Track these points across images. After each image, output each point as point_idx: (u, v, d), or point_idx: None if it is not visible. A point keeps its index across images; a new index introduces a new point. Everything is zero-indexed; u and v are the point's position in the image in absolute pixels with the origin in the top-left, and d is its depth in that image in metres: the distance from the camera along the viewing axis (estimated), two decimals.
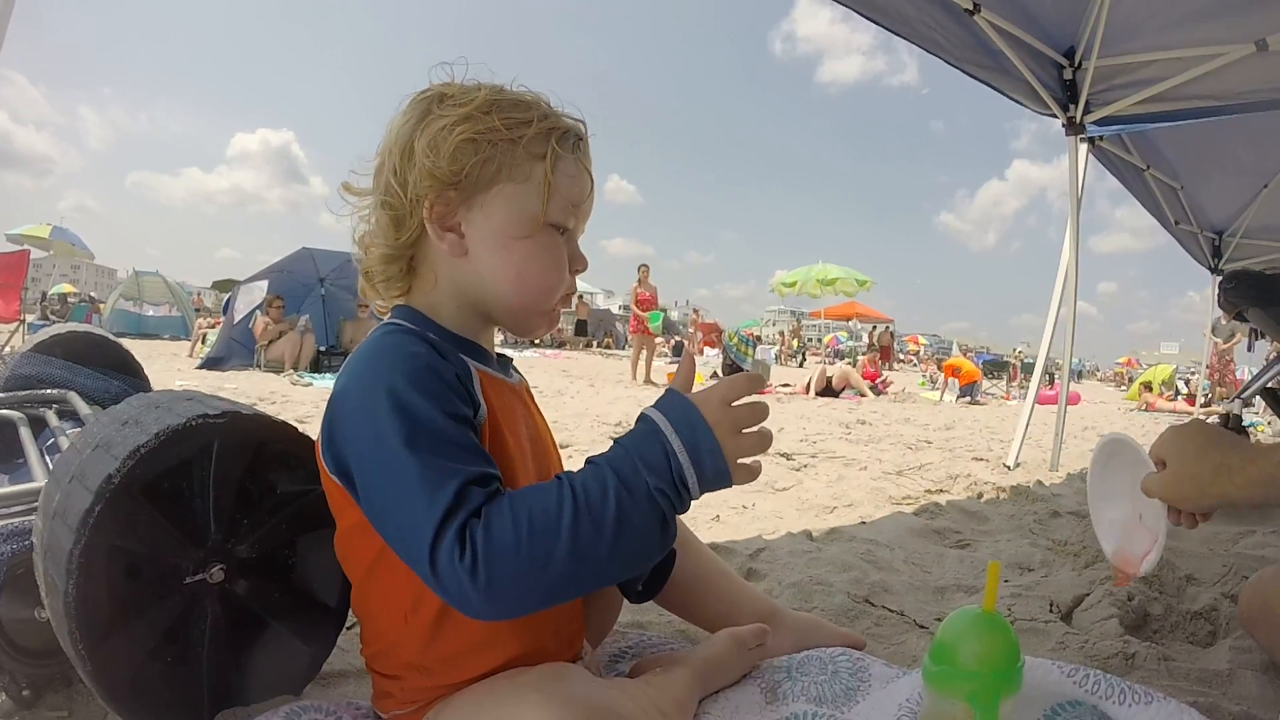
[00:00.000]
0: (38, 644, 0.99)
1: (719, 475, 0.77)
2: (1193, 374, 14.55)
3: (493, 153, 0.87)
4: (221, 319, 9.83)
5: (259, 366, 8.07)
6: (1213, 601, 1.61)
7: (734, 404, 0.79)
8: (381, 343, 0.84)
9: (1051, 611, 1.59)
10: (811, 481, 3.08)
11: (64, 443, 1.51)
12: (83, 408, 1.75)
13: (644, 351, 9.93)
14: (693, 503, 0.78)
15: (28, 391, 1.87)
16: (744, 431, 0.79)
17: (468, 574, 0.69)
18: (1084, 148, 4.14)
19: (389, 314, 0.93)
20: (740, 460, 0.78)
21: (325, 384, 7.06)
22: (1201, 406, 9.61)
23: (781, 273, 18.72)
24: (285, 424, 1.02)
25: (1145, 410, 11.89)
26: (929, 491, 3.08)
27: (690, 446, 0.76)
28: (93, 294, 22.15)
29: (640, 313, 10.12)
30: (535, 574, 0.71)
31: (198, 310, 16.60)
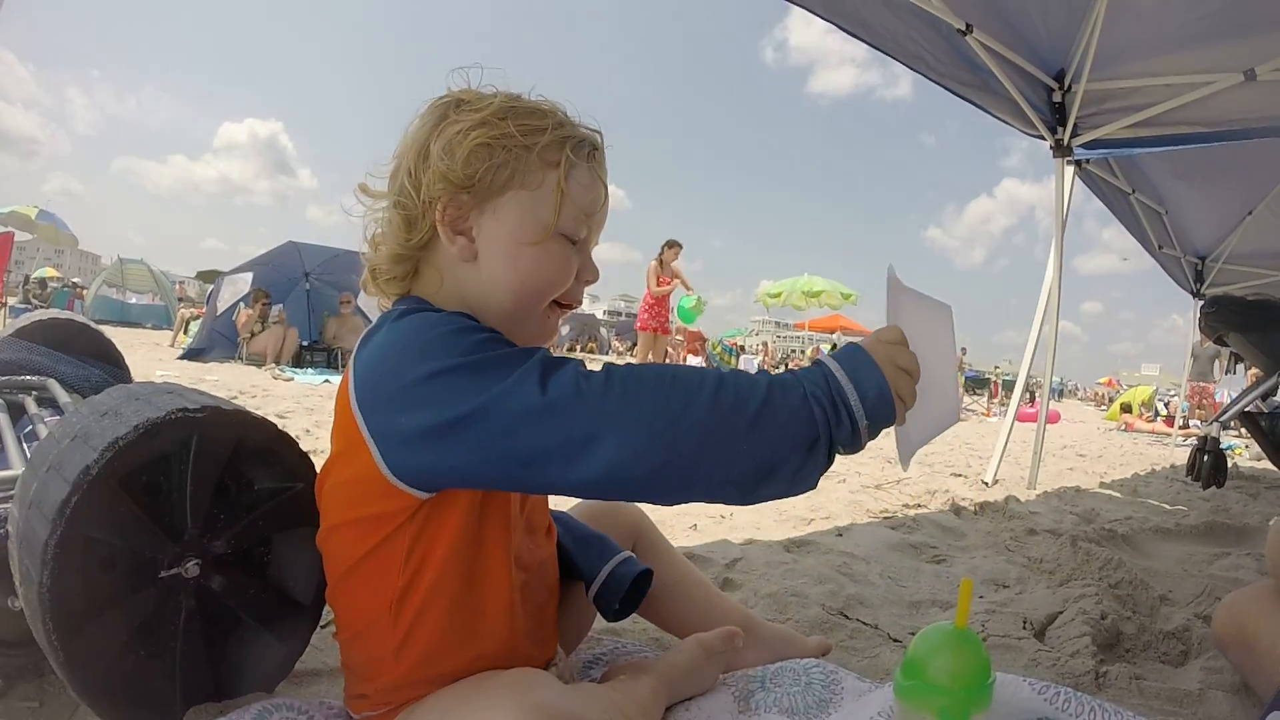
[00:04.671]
0: (10, 634, 0.99)
1: (881, 395, 0.77)
2: (1173, 395, 14.69)
3: (506, 158, 0.87)
4: (205, 309, 9.78)
5: (241, 359, 8.03)
6: (1185, 622, 1.63)
7: (892, 343, 0.81)
8: (406, 321, 0.83)
9: (1024, 628, 1.61)
10: None
11: (42, 430, 1.49)
12: (62, 396, 1.74)
13: (650, 357, 7.47)
14: (864, 434, 0.77)
15: (7, 377, 1.85)
16: (900, 367, 0.79)
17: (599, 386, 0.73)
18: (1070, 170, 4.18)
19: (393, 303, 0.92)
20: (899, 392, 0.78)
21: (306, 379, 7.01)
22: (1180, 429, 9.70)
23: (767, 283, 18.69)
24: (265, 420, 1.01)
25: (1124, 430, 12.00)
26: (907, 506, 3.10)
27: (850, 369, 0.78)
28: (76, 279, 21.90)
29: (660, 300, 7.43)
30: (671, 410, 0.72)
31: (181, 300, 16.48)
